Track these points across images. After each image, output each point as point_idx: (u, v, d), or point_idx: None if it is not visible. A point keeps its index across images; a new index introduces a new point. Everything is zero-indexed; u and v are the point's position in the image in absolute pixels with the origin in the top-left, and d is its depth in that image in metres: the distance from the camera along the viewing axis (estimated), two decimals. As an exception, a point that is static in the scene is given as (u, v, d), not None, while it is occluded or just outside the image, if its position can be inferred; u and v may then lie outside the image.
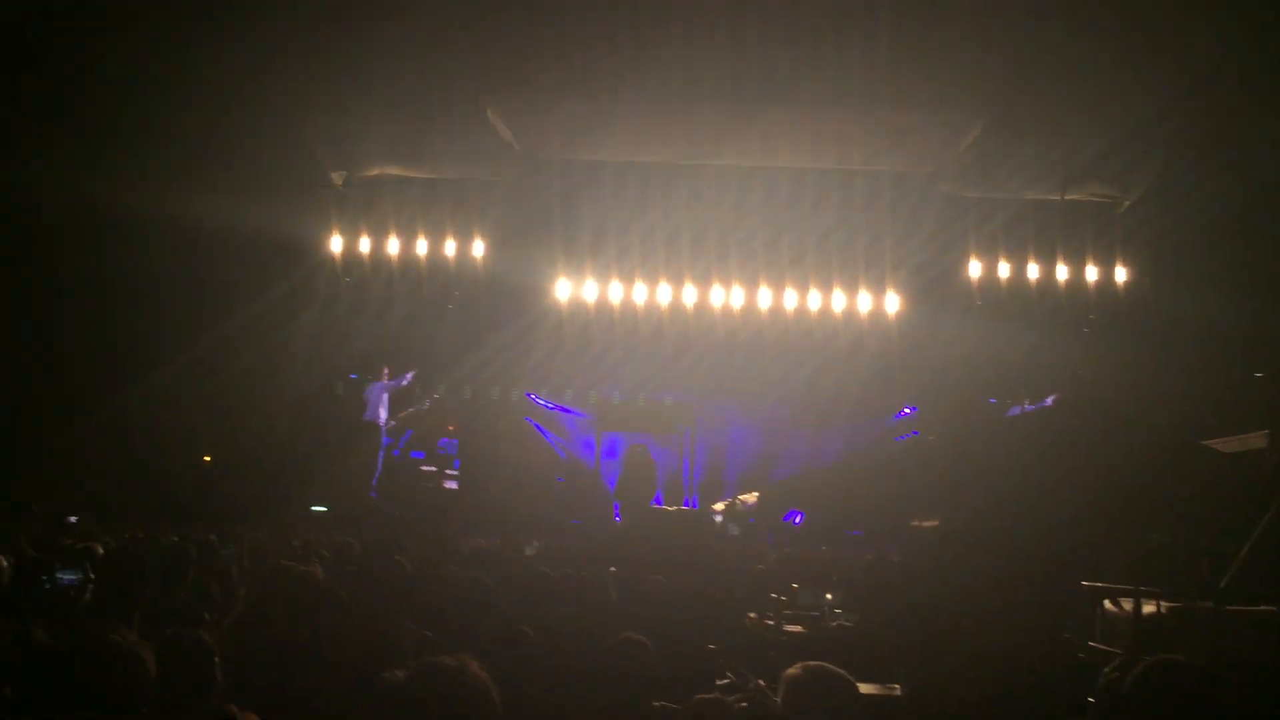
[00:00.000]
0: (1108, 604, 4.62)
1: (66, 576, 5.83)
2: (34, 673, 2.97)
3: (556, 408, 16.27)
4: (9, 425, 14.07)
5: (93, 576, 5.86)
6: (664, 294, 15.99)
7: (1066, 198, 14.92)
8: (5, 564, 5.81)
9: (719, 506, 13.49)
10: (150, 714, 2.96)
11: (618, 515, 14.28)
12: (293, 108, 14.05)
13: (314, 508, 14.62)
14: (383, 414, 15.23)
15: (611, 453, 15.16)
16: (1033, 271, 15.86)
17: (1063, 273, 15.82)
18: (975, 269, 15.97)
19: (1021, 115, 13.50)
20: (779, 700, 3.68)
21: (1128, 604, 4.42)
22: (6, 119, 12.68)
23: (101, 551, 6.58)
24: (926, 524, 7.09)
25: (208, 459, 15.93)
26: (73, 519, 10.55)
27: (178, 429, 15.17)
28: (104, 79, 12.34)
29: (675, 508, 12.78)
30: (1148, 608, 4.18)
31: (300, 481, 15.28)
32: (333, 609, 4.14)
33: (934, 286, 16.03)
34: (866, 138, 14.57)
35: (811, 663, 3.62)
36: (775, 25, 11.91)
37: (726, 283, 15.93)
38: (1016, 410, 14.87)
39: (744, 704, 4.54)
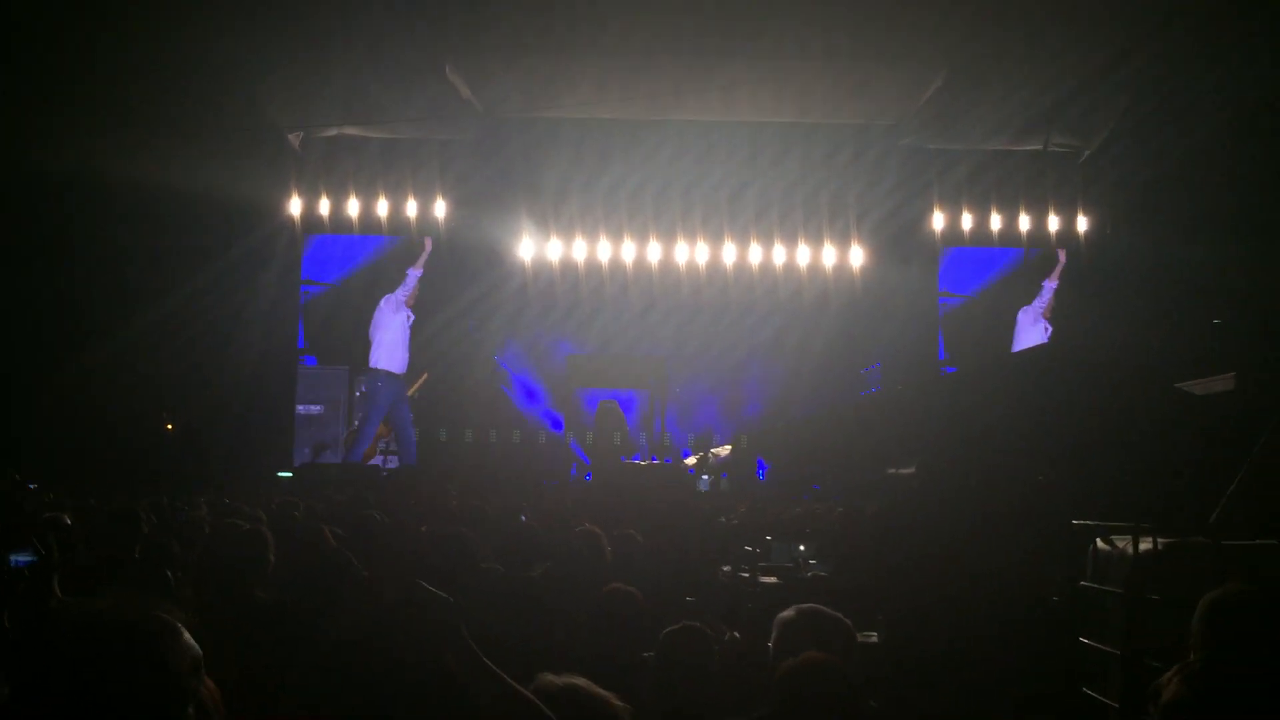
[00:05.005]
0: (1100, 542, 4.64)
1: (19, 558, 4.45)
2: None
3: (521, 374, 16.16)
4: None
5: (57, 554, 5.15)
6: (629, 251, 15.95)
7: (1049, 148, 14.94)
8: None
9: (691, 460, 13.49)
10: None
11: (589, 474, 14.23)
12: (247, 67, 13.80)
13: (280, 474, 14.47)
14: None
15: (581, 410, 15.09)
16: (995, 222, 15.95)
17: (1025, 223, 15.92)
18: (939, 221, 16.04)
19: (983, 66, 13.52)
20: (770, 645, 3.64)
21: (1120, 542, 4.44)
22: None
23: (69, 522, 6.27)
24: (903, 471, 7.11)
25: (170, 426, 15.72)
26: (32, 485, 10.25)
27: (138, 395, 14.92)
28: (51, 41, 12.04)
29: (647, 462, 12.76)
30: (1143, 545, 4.20)
31: (267, 447, 15.15)
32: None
33: (898, 240, 16.09)
34: (827, 90, 14.54)
35: (805, 605, 3.57)
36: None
37: (692, 238, 15.92)
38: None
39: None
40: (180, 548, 4.77)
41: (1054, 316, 14.85)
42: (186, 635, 1.96)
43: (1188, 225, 13.68)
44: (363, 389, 15.09)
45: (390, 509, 6.63)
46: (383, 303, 14.27)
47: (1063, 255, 15.06)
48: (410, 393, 14.76)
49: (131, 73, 12.91)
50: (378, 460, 15.11)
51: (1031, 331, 14.73)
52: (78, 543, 4.92)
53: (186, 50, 12.80)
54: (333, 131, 15.65)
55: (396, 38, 13.13)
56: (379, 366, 14.17)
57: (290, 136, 15.59)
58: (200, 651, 1.97)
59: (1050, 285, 14.77)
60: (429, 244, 14.42)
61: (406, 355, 14.38)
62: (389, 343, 14.23)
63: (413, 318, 14.34)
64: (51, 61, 12.53)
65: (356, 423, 15.56)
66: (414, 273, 14.13)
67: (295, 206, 15.90)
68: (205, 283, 14.92)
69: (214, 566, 4.47)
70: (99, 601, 2.04)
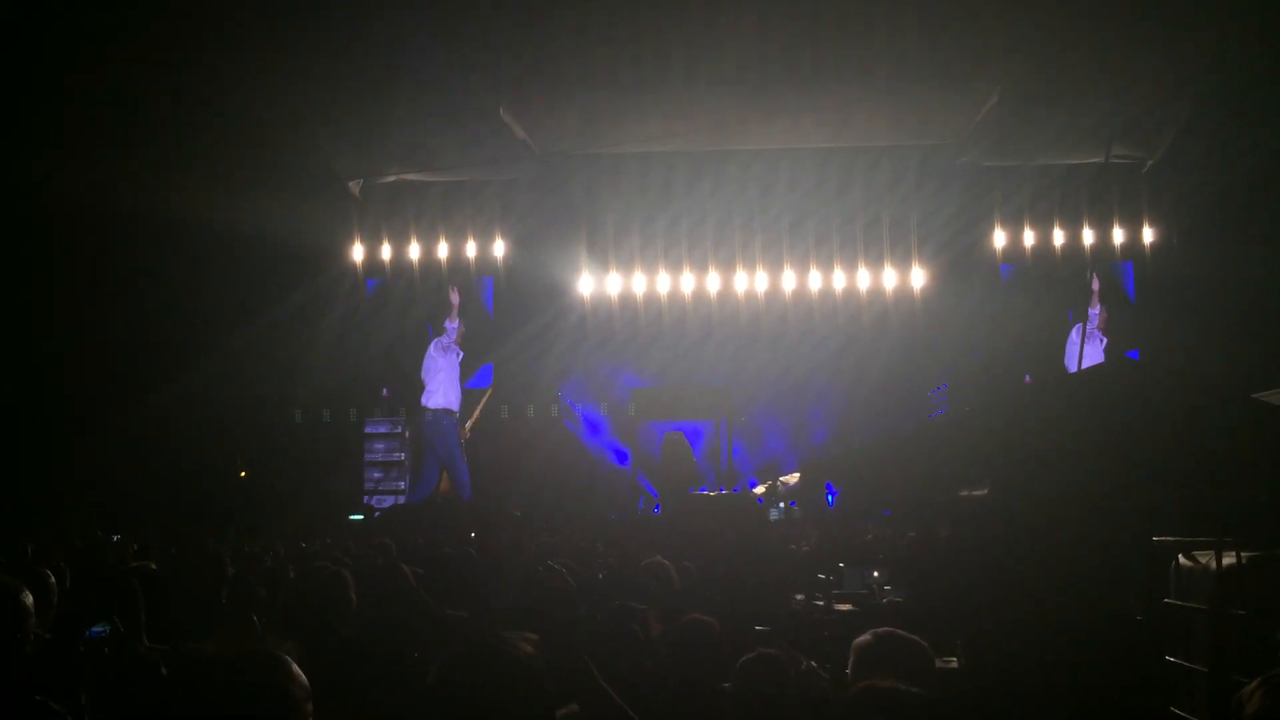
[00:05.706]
0: (1182, 558, 4.56)
1: (95, 630, 4.21)
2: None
3: (584, 407, 16.25)
4: (31, 437, 14.04)
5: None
6: (688, 282, 16.01)
7: (1110, 160, 14.75)
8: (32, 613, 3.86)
9: (759, 489, 13.43)
10: None
11: (656, 508, 14.21)
12: (310, 120, 14.10)
13: (351, 517, 14.61)
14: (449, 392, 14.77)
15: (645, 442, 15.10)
16: (1058, 238, 15.77)
17: (1089, 236, 15.73)
18: (1000, 239, 15.90)
19: (1037, 82, 13.42)
20: (849, 670, 3.62)
21: (1203, 557, 4.37)
22: (28, 120, 12.77)
23: (155, 569, 6.33)
24: (976, 494, 7.02)
25: (243, 474, 15.91)
26: (115, 537, 10.46)
27: (207, 437, 15.16)
28: (126, 85, 12.39)
29: (715, 493, 12.73)
30: (1226, 559, 4.13)
31: (326, 491, 15.31)
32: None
33: (960, 260, 15.97)
34: (885, 113, 14.51)
35: (882, 629, 3.55)
36: (792, 4, 11.87)
37: (751, 267, 15.95)
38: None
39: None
40: (266, 592, 4.86)
41: (1108, 329, 14.62)
42: (296, 667, 2.09)
43: (1257, 234, 13.44)
44: (417, 429, 15.26)
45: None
46: (431, 347, 14.67)
47: (1096, 281, 14.86)
48: (477, 410, 14.95)
49: (203, 122, 13.29)
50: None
51: (1086, 347, 14.53)
52: (165, 591, 5.02)
53: (255, 103, 13.16)
54: (392, 177, 15.93)
55: (451, 85, 13.35)
56: (434, 406, 14.48)
57: (350, 184, 15.89)
58: (308, 682, 2.10)
59: (1094, 312, 14.58)
60: (455, 295, 14.72)
61: (459, 393, 14.70)
62: (443, 382, 14.59)
63: (462, 355, 14.68)
64: (126, 110, 12.91)
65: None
66: (452, 325, 14.58)
67: (357, 252, 16.19)
68: (271, 325, 15.22)
69: (299, 607, 4.55)
70: (203, 645, 2.18)
